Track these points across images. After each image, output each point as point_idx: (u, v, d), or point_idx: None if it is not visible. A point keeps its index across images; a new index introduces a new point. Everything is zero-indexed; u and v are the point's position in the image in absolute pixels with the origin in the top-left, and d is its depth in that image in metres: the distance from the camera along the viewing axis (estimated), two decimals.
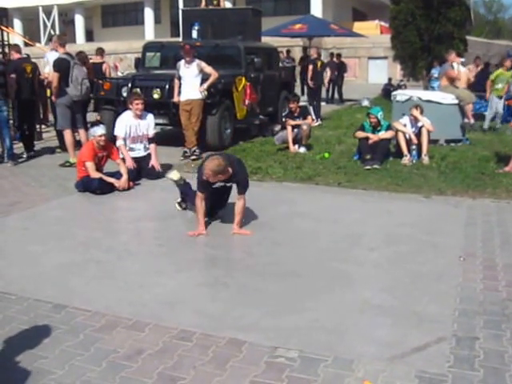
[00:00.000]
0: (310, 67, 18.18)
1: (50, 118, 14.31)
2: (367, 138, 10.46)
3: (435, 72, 18.81)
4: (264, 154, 11.29)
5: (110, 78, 14.41)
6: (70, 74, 10.14)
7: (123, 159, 9.03)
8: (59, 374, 3.64)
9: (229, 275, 5.36)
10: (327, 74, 22.52)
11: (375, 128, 10.60)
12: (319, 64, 18.44)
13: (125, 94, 11.93)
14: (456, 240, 6.31)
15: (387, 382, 3.55)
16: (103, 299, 4.79)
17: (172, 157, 10.82)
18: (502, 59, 16.71)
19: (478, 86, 18.55)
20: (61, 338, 4.09)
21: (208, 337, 4.12)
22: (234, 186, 6.68)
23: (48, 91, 12.44)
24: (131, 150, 9.38)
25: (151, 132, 9.54)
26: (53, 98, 10.97)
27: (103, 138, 8.57)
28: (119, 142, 9.29)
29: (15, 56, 11.65)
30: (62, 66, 10.14)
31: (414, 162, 10.38)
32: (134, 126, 9.38)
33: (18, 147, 11.59)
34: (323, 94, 22.96)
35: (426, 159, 10.35)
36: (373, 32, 39.45)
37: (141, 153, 9.51)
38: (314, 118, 16.34)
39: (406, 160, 10.30)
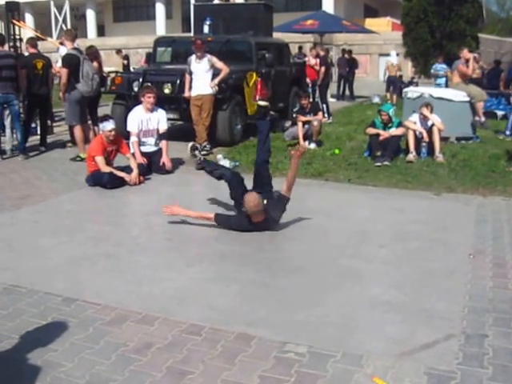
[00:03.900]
0: (323, 69, 18.21)
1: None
2: (378, 135, 10.45)
3: (441, 69, 18.71)
4: (274, 150, 11.16)
5: (121, 72, 14.44)
6: (81, 69, 10.14)
7: (134, 154, 9.06)
8: (69, 367, 3.65)
9: (238, 270, 5.37)
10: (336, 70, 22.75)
11: (386, 125, 10.58)
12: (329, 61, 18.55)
13: (136, 89, 11.96)
14: (466, 237, 6.30)
15: (396, 379, 3.55)
16: (113, 293, 4.81)
17: (182, 152, 10.83)
18: None
19: (490, 83, 18.53)
20: (70, 331, 4.11)
21: (217, 331, 4.13)
22: None
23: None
24: (142, 144, 9.42)
25: (162, 127, 9.55)
26: (60, 94, 10.98)
27: (113, 132, 8.58)
28: (133, 139, 9.31)
29: (30, 50, 11.65)
30: (71, 62, 10.14)
31: (423, 159, 10.35)
32: (146, 120, 9.41)
33: (32, 140, 11.69)
34: (334, 91, 22.99)
35: (440, 157, 10.29)
36: (384, 29, 39.36)
37: (152, 147, 9.53)
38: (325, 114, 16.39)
39: (410, 157, 10.26)
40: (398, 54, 23.68)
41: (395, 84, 22.17)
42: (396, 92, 21.70)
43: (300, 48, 24.35)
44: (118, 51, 25.54)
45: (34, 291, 4.80)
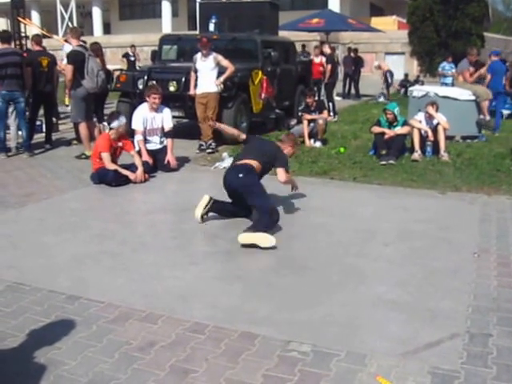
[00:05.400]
0: (329, 67, 18.16)
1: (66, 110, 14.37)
2: (383, 134, 10.43)
3: (449, 69, 18.61)
4: None
5: (126, 70, 14.44)
6: (86, 66, 10.13)
7: (138, 152, 9.06)
8: (72, 365, 3.65)
9: (242, 268, 5.37)
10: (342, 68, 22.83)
11: (391, 123, 10.57)
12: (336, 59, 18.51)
13: (141, 87, 11.97)
14: (470, 236, 6.28)
15: (400, 378, 3.54)
16: (117, 291, 4.80)
17: (188, 150, 10.84)
18: None
19: None
20: (74, 329, 4.11)
21: (221, 330, 4.12)
22: None
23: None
24: (147, 142, 9.43)
25: (168, 125, 9.56)
26: (66, 91, 10.98)
27: (124, 127, 8.67)
28: (138, 137, 9.32)
29: (35, 48, 11.66)
30: (76, 59, 10.13)
31: (428, 158, 10.33)
32: (151, 119, 9.43)
33: (37, 137, 11.69)
34: (339, 89, 22.96)
35: (445, 156, 10.27)
36: (390, 27, 39.30)
37: (156, 145, 9.55)
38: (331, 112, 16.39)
39: (416, 156, 10.25)
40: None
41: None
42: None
43: (303, 46, 24.27)
44: (132, 46, 25.79)
45: (37, 289, 4.80)
